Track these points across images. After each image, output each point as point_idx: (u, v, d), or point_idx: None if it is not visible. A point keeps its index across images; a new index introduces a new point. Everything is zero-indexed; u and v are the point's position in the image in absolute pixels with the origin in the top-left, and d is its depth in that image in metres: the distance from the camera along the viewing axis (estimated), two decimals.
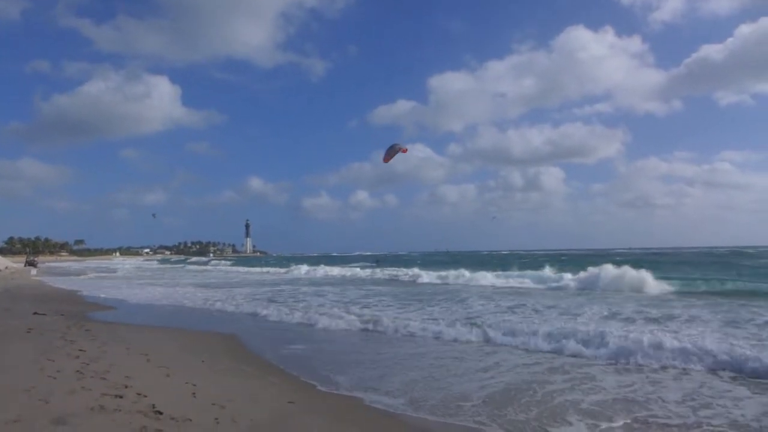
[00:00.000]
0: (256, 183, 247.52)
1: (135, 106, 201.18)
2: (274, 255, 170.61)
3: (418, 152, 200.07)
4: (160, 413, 5.31)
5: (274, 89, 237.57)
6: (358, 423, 5.88)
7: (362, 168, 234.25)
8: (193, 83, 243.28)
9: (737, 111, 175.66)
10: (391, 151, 19.62)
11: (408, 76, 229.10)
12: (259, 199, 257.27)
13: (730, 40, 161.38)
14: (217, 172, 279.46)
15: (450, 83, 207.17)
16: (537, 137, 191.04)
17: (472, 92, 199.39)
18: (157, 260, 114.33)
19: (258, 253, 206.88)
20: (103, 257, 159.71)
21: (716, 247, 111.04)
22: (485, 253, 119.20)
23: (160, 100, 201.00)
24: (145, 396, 5.88)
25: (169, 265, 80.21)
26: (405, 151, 20.55)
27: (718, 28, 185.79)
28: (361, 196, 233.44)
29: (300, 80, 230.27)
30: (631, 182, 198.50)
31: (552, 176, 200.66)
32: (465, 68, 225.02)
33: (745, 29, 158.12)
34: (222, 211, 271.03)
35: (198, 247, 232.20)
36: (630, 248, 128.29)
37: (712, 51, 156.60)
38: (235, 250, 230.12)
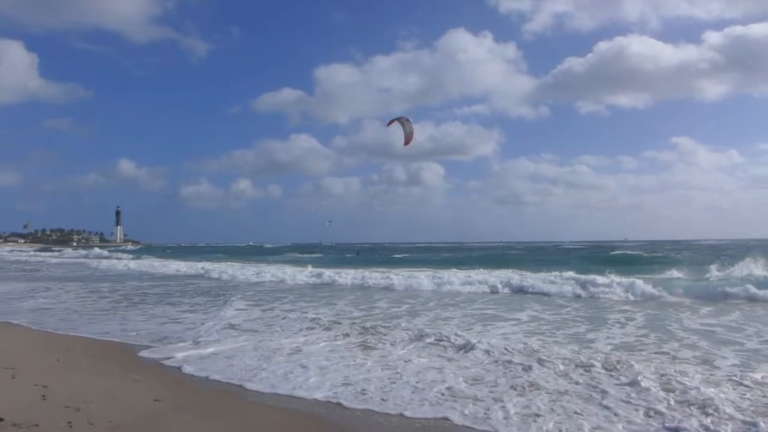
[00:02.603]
0: (127, 167, 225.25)
1: None
2: (140, 245, 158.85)
3: (302, 143, 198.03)
4: (1, 420, 4.75)
5: (148, 66, 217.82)
6: (230, 416, 5.73)
7: (245, 156, 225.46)
8: (54, 52, 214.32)
9: (594, 120, 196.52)
10: (407, 132, 17.36)
11: (294, 65, 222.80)
12: (131, 185, 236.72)
13: (590, 55, 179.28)
14: (82, 153, 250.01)
15: (336, 75, 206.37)
16: (419, 134, 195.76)
17: (358, 85, 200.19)
18: None
19: (129, 243, 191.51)
20: None
21: (581, 242, 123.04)
22: (369, 245, 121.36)
23: (12, 68, 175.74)
24: None
25: None
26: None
27: (581, 44, 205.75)
28: (244, 184, 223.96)
29: (178, 59, 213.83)
30: (503, 180, 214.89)
31: (432, 172, 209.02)
32: (351, 61, 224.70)
33: (602, 46, 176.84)
34: (88, 196, 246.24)
35: (59, 235, 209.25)
36: (501, 241, 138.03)
37: (575, 63, 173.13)
38: (103, 239, 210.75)
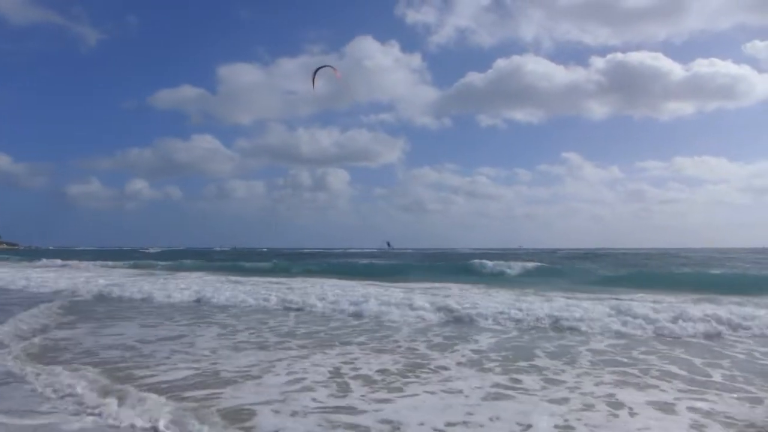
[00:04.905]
0: (2, 161, 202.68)
1: None
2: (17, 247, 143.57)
3: (204, 143, 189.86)
4: None
5: (28, 52, 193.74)
6: None
7: (142, 155, 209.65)
8: None
9: (493, 132, 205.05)
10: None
11: (196, 62, 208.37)
12: (7, 182, 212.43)
13: (490, 71, 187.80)
14: None
15: (240, 74, 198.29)
16: (326, 139, 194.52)
17: (262, 86, 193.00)
18: None
19: (5, 245, 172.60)
20: None
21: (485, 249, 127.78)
22: (265, 250, 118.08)
23: None
24: None
25: None
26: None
27: (482, 59, 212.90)
28: (140, 185, 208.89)
29: (65, 47, 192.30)
30: (408, 188, 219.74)
31: (338, 177, 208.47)
32: (257, 61, 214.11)
33: (501, 63, 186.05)
34: None
35: None
36: (405, 248, 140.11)
37: (476, 78, 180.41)
38: None
